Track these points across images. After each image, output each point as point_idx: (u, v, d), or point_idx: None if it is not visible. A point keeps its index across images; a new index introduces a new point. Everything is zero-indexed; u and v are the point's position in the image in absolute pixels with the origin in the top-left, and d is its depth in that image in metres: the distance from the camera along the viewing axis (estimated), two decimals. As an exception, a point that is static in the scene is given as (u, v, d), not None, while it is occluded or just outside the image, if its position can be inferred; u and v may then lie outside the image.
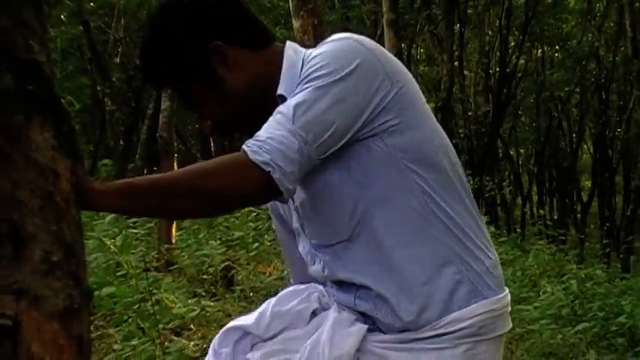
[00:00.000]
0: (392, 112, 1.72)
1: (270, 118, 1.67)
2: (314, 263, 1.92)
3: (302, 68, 1.75)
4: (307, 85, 1.67)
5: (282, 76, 1.79)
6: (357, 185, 1.76)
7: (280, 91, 1.77)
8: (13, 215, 1.33)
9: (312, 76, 1.68)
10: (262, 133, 1.64)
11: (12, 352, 1.29)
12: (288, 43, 1.87)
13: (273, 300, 2.01)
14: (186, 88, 1.82)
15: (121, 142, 15.71)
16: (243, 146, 1.63)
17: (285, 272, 6.77)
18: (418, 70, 20.34)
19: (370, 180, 1.75)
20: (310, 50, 1.82)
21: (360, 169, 1.75)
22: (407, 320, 1.77)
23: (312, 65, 1.70)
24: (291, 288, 2.04)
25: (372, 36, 13.19)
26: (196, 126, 17.24)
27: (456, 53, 18.10)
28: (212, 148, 16.28)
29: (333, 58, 1.69)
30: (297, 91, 1.69)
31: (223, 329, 2.00)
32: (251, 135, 1.72)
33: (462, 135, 20.19)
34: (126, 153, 14.60)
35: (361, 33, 1.96)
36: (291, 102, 1.66)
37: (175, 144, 9.71)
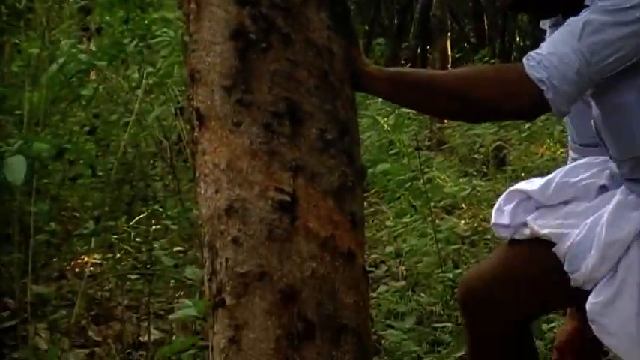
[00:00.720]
0: None
1: (558, 30, 1.62)
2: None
3: None
4: (603, 4, 1.59)
5: None
6: None
7: (587, 1, 1.68)
8: (291, 94, 1.38)
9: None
10: (546, 45, 1.59)
11: (290, 227, 1.36)
12: None
13: (563, 169, 1.97)
14: None
15: (395, 21, 15.77)
16: (524, 59, 1.59)
17: (558, 153, 6.59)
18: None
19: None
20: None
21: None
22: None
23: None
24: (585, 159, 1.98)
25: None
26: (470, 4, 16.89)
27: None
28: (485, 28, 15.93)
29: None
30: (591, 7, 1.60)
31: (508, 190, 2.00)
32: (542, 14, 1.70)
33: None
34: (400, 32, 14.66)
35: None
36: (582, 17, 1.59)
37: (449, 22, 9.59)
